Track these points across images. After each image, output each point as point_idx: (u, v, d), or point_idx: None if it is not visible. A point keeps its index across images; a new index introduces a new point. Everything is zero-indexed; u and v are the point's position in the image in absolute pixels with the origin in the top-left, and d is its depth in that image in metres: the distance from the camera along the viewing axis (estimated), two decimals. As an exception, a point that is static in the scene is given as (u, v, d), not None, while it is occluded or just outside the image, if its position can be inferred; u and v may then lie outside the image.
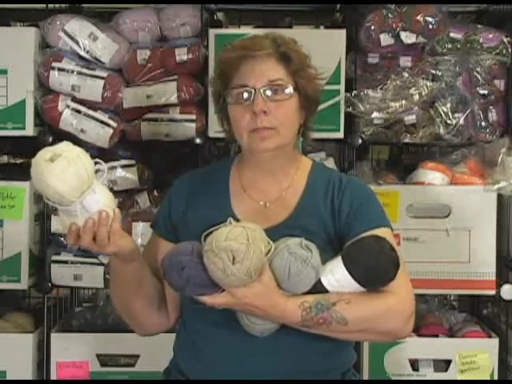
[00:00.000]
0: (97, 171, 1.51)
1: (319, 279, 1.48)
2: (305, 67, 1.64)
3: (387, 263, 1.47)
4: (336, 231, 1.61)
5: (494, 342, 2.45)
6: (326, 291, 1.49)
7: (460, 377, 2.42)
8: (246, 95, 1.59)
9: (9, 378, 2.42)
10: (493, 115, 2.48)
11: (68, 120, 2.39)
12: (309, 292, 1.49)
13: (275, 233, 1.52)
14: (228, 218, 1.49)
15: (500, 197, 2.43)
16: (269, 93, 1.58)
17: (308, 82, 1.63)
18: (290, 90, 1.60)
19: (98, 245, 1.49)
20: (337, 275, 1.48)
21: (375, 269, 1.47)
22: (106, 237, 1.48)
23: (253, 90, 1.58)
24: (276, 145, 1.60)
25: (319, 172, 1.70)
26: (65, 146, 1.48)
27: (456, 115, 2.44)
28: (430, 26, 2.40)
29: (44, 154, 1.45)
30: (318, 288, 1.49)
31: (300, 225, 1.59)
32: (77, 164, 1.44)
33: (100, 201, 1.47)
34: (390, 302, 1.52)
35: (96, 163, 1.50)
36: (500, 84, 2.49)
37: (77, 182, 1.43)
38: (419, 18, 2.39)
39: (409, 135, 2.45)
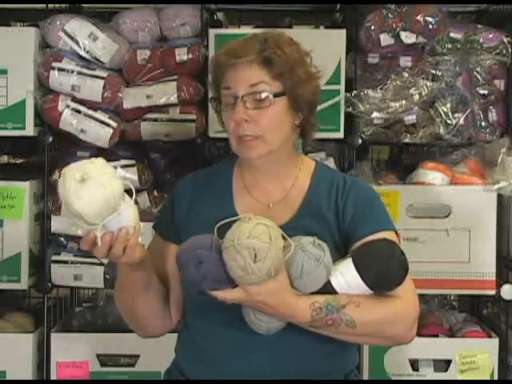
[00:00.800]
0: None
1: (329, 280, 1.49)
2: (293, 69, 1.59)
3: (398, 268, 1.48)
4: (340, 233, 1.61)
5: (494, 342, 2.45)
6: (335, 292, 1.49)
7: (460, 377, 2.42)
8: (230, 102, 1.59)
9: (9, 378, 2.42)
10: (493, 115, 2.48)
11: (68, 120, 2.39)
12: (318, 292, 1.49)
13: None
14: (231, 217, 1.48)
15: (500, 197, 2.43)
16: (250, 101, 1.57)
17: (297, 83, 1.60)
18: (269, 95, 1.57)
19: (112, 257, 1.49)
20: (347, 277, 1.48)
21: (386, 273, 1.48)
22: (121, 252, 1.48)
23: (234, 98, 1.58)
24: (263, 153, 1.59)
25: (322, 173, 1.70)
26: (97, 167, 1.45)
27: (456, 115, 2.44)
28: (430, 26, 2.40)
29: (74, 172, 1.43)
30: (327, 288, 1.49)
31: (303, 226, 1.59)
32: (105, 190, 1.42)
33: (123, 221, 1.47)
34: (397, 307, 1.52)
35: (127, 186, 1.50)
36: (500, 84, 2.49)
37: (103, 208, 1.43)
38: (419, 18, 2.39)
39: (409, 135, 2.45)
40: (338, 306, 1.48)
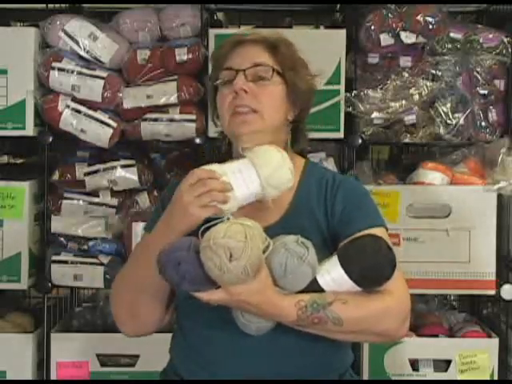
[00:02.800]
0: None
1: (315, 278, 1.48)
2: (294, 60, 1.63)
3: (384, 263, 1.46)
4: (329, 230, 1.60)
5: (494, 342, 2.45)
6: (322, 290, 1.48)
7: (460, 377, 2.42)
8: (230, 76, 1.60)
9: (9, 377, 2.42)
10: (493, 115, 2.48)
11: (68, 120, 2.39)
12: (305, 290, 1.47)
13: (269, 232, 1.49)
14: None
15: (500, 197, 2.44)
16: (251, 75, 1.58)
17: (297, 74, 1.63)
18: (271, 73, 1.59)
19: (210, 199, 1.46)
20: (333, 274, 1.47)
21: (372, 269, 1.45)
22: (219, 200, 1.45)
23: (236, 72, 1.59)
24: (257, 128, 1.57)
25: (312, 171, 1.69)
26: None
27: (456, 115, 2.44)
28: (430, 26, 2.40)
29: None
30: (314, 287, 1.48)
31: (293, 224, 1.58)
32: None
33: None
34: (386, 303, 1.50)
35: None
36: (500, 84, 2.49)
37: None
38: (419, 18, 2.39)
39: (409, 135, 2.45)
40: (324, 304, 1.46)
